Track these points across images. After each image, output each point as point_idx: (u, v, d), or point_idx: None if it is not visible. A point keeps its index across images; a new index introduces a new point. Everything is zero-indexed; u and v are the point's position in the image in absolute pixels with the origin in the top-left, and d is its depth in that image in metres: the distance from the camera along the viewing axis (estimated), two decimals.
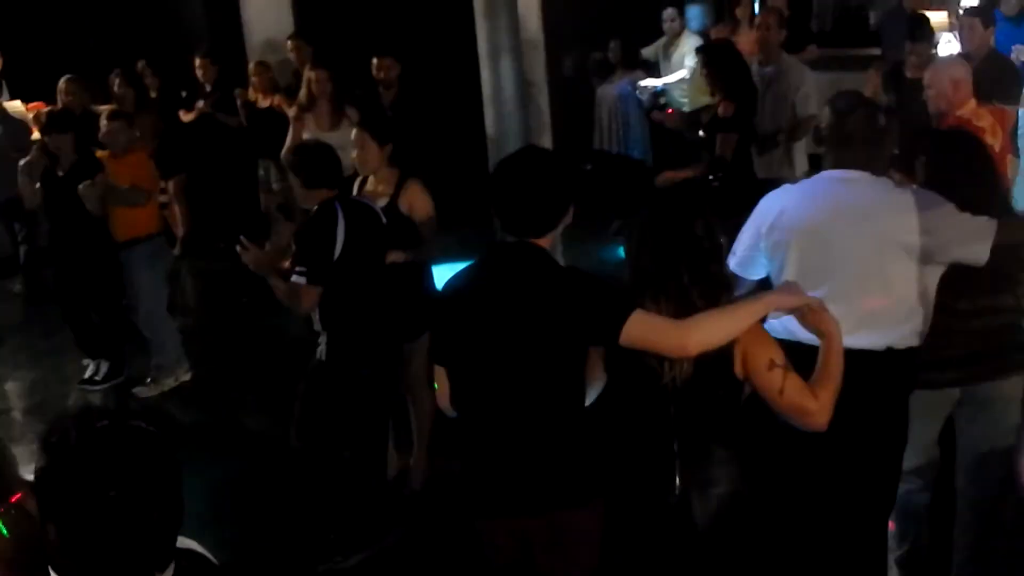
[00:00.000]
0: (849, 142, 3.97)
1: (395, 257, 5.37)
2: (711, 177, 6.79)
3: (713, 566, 3.31)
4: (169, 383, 7.52)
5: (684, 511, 3.30)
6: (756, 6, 11.20)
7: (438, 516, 5.49)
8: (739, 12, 10.86)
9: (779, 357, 3.17)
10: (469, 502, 3.51)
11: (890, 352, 3.89)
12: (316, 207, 5.03)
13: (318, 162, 5.08)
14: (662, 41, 10.46)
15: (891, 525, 4.35)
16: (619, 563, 3.44)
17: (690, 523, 3.30)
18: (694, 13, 10.95)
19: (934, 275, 3.94)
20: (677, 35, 10.33)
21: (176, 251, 8.42)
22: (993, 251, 3.84)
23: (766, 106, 7.30)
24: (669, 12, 10.44)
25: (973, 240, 3.84)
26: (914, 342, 3.95)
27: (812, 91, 7.30)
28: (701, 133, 7.14)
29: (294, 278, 4.88)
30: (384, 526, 5.32)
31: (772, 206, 4.08)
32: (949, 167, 4.10)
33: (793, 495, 3.77)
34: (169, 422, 7.07)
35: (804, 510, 3.88)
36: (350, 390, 5.07)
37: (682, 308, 3.18)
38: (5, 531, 2.32)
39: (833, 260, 3.89)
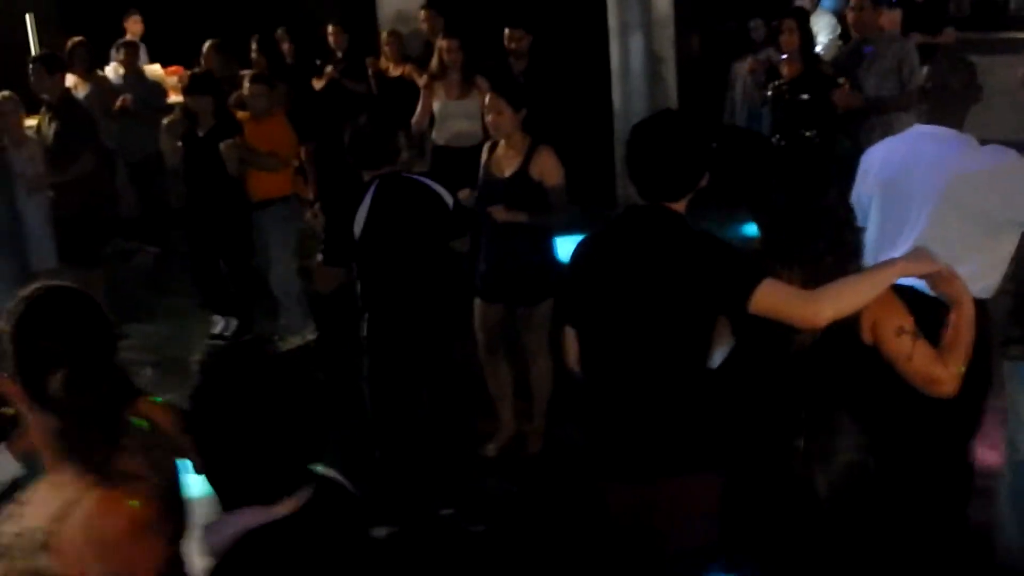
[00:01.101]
0: (943, 99, 4.17)
1: (517, 217, 5.40)
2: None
3: (834, 534, 3.29)
4: (295, 342, 7.68)
5: (807, 480, 3.28)
6: None
7: (554, 481, 5.53)
8: None
9: (908, 323, 3.14)
10: (590, 464, 3.53)
11: (977, 303, 3.89)
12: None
13: (368, 144, 5.04)
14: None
15: None
16: (740, 531, 3.43)
17: (812, 493, 3.28)
18: None
19: (1008, 236, 4.04)
20: (809, 12, 10.16)
21: (309, 214, 8.57)
22: None
23: (869, 81, 7.38)
24: None
25: None
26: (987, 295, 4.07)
27: (915, 65, 7.26)
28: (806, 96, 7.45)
29: (318, 256, 4.99)
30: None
31: (868, 157, 4.40)
32: None
33: (915, 464, 3.72)
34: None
35: (924, 478, 3.85)
36: (390, 371, 5.10)
37: (812, 275, 3.16)
38: (144, 423, 2.42)
39: (907, 213, 4.07)
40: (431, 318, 5.08)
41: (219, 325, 7.95)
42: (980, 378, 4.08)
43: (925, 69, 4.34)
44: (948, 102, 4.21)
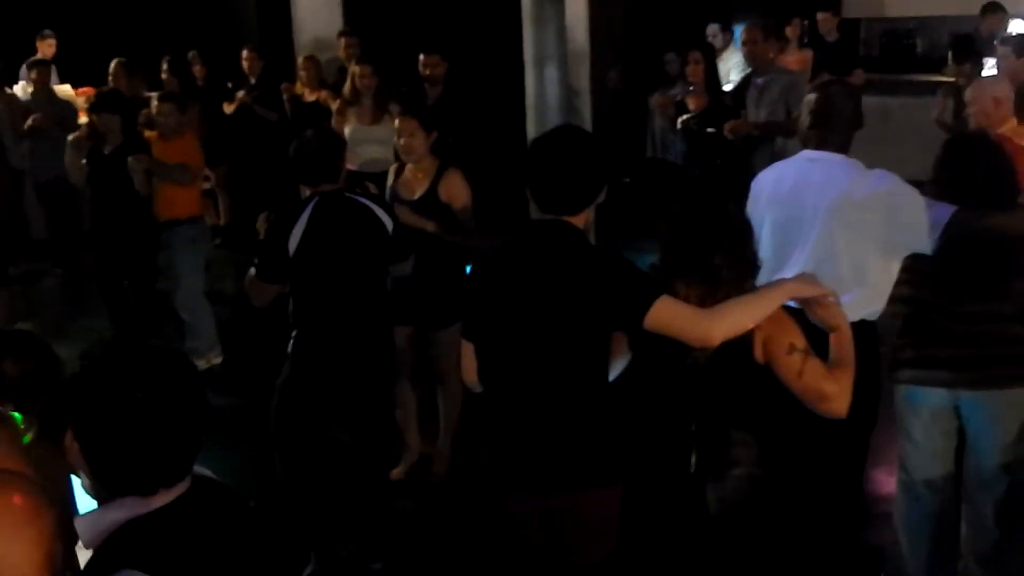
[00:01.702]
0: (829, 124, 4.31)
1: (427, 226, 5.40)
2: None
3: (724, 549, 3.32)
4: (200, 365, 7.57)
5: (698, 493, 3.31)
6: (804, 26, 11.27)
7: (461, 503, 5.51)
8: (789, 31, 10.93)
9: (799, 341, 3.19)
10: (494, 479, 3.53)
11: (863, 324, 4.06)
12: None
13: (310, 158, 4.90)
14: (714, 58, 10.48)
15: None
16: (634, 543, 3.44)
17: (703, 505, 3.31)
18: (741, 30, 10.99)
19: (893, 259, 4.15)
20: (720, 51, 10.36)
21: (217, 240, 8.50)
22: (992, 255, 3.98)
23: (761, 112, 7.71)
24: (712, 28, 10.52)
25: (920, 229, 4.06)
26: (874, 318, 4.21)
27: (801, 95, 7.49)
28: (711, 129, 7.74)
29: (251, 269, 4.86)
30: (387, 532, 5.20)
31: (757, 181, 4.53)
32: (957, 165, 4.19)
33: (807, 480, 3.78)
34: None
35: (815, 495, 3.90)
36: (313, 391, 4.94)
37: (709, 289, 3.20)
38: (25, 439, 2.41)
39: (797, 234, 4.21)
40: (361, 341, 4.97)
41: None
42: (869, 400, 4.16)
43: (813, 95, 4.45)
44: (834, 127, 4.32)
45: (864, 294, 4.14)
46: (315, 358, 4.91)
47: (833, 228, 4.18)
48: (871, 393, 4.23)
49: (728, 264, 3.23)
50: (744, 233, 3.31)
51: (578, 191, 3.36)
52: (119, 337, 7.58)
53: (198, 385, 2.14)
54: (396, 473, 5.87)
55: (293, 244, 4.75)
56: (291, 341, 4.96)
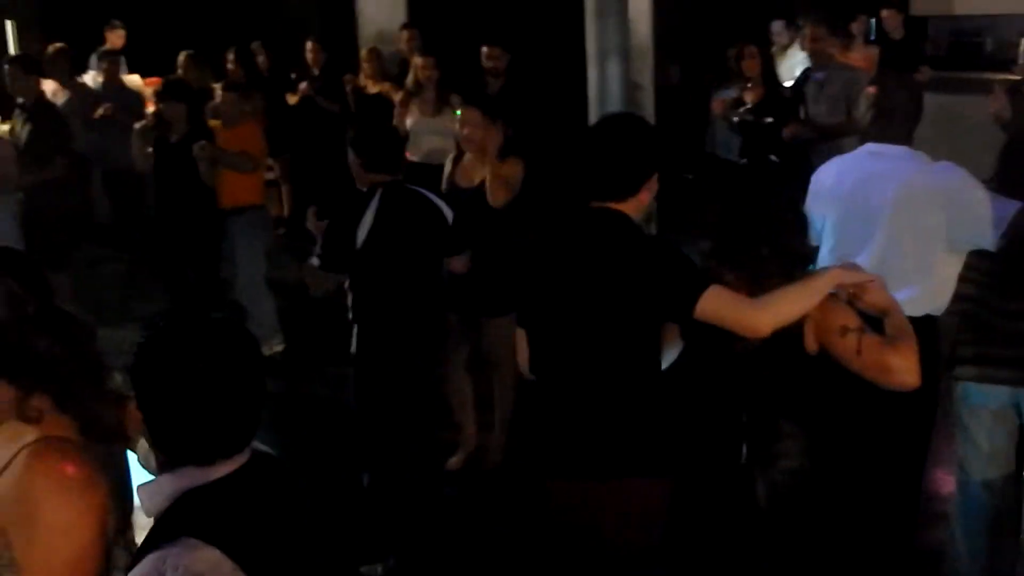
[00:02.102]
0: (891, 116, 4.27)
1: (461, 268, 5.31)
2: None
3: (772, 541, 3.30)
4: (263, 352, 7.63)
5: (747, 484, 3.30)
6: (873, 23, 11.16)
7: (515, 492, 5.51)
8: (854, 27, 10.82)
9: (852, 321, 3.16)
10: (539, 463, 3.53)
11: (928, 320, 4.05)
12: (362, 192, 4.89)
13: (383, 146, 4.94)
14: (774, 50, 10.41)
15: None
16: (681, 534, 3.43)
17: (752, 497, 3.29)
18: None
19: (955, 256, 4.11)
20: (785, 47, 10.30)
21: (280, 230, 8.58)
22: None
23: (820, 107, 7.77)
24: (777, 25, 10.44)
25: (984, 225, 3.99)
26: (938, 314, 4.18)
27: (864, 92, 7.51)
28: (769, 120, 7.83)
29: (311, 259, 4.83)
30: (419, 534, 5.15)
31: (817, 177, 4.48)
32: (1019, 160, 4.14)
33: (858, 475, 3.74)
34: None
35: (869, 491, 3.86)
36: (380, 385, 4.94)
37: (757, 280, 3.19)
38: None
39: (862, 228, 4.16)
40: (421, 334, 4.99)
41: None
42: (928, 396, 4.11)
43: (873, 89, 4.40)
44: (896, 120, 4.28)
45: (929, 289, 4.10)
46: (380, 354, 4.91)
47: (899, 221, 4.14)
48: (931, 390, 4.18)
49: (776, 255, 3.22)
50: (793, 224, 3.30)
51: (623, 174, 3.34)
52: (182, 311, 7.66)
53: (258, 358, 2.17)
54: (453, 462, 5.91)
55: (361, 235, 4.75)
56: (354, 339, 4.93)
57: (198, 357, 2.05)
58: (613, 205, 3.34)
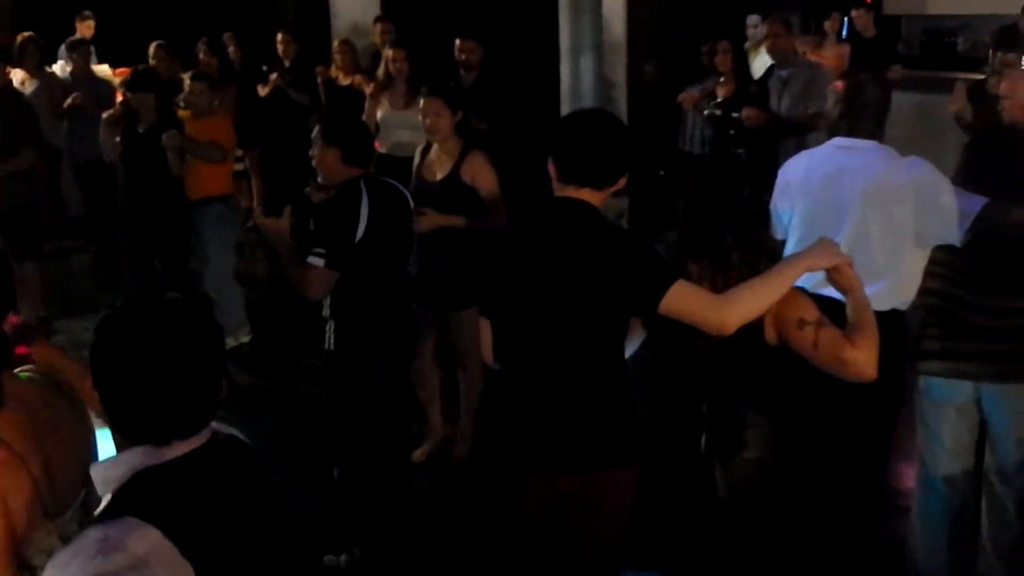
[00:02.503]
0: (860, 111, 4.27)
1: (454, 222, 5.39)
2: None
3: (731, 532, 3.30)
4: (230, 343, 7.61)
5: (707, 474, 3.30)
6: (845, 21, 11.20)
7: (482, 485, 5.51)
8: (828, 26, 10.89)
9: (810, 314, 3.17)
10: (506, 457, 3.51)
11: (893, 314, 4.05)
12: (340, 185, 4.78)
13: (361, 138, 4.90)
14: (747, 46, 10.44)
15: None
16: (644, 524, 3.43)
17: (712, 487, 3.30)
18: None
19: (921, 250, 4.13)
20: (759, 43, 10.29)
21: (250, 223, 8.55)
22: (1021, 250, 3.93)
23: (783, 104, 7.83)
24: (753, 19, 10.45)
25: (951, 219, 3.99)
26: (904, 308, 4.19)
27: (824, 90, 7.60)
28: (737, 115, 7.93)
29: (311, 259, 4.59)
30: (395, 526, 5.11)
31: (785, 171, 4.48)
32: (987, 157, 4.17)
33: (820, 467, 3.75)
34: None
35: (831, 483, 3.87)
36: (358, 381, 4.87)
37: (721, 271, 3.19)
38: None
39: (830, 221, 4.12)
40: (401, 328, 4.97)
41: None
42: (893, 388, 4.13)
43: (842, 83, 4.41)
44: (865, 115, 4.29)
45: (896, 283, 4.11)
46: (359, 350, 4.86)
47: (868, 215, 4.14)
48: (896, 384, 4.20)
49: (739, 246, 3.22)
50: (757, 216, 3.30)
51: (602, 161, 3.33)
52: (142, 293, 7.63)
53: (217, 339, 2.17)
54: (418, 455, 5.90)
55: (360, 230, 4.67)
56: (330, 335, 4.83)
57: (153, 335, 2.04)
58: (581, 196, 3.33)
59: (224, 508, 2.14)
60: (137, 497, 2.02)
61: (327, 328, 4.84)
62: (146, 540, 1.94)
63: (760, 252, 3.27)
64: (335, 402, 4.93)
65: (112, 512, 2.01)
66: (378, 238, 4.73)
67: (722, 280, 3.18)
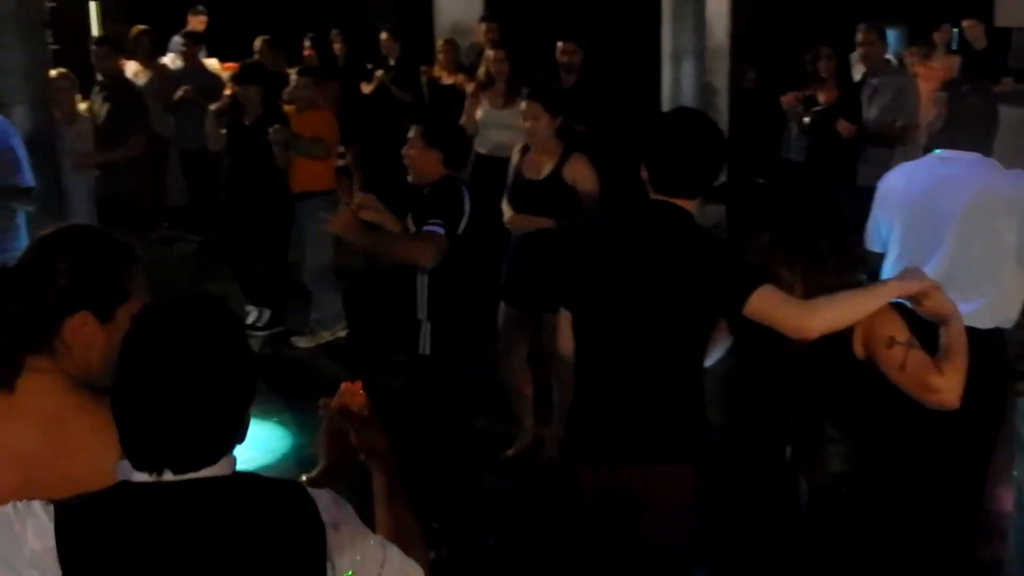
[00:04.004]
0: (961, 123, 4.20)
1: (547, 224, 5.41)
2: None
3: (812, 545, 3.27)
4: (325, 336, 7.75)
5: (790, 485, 3.27)
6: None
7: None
8: (937, 37, 10.68)
9: (900, 334, 3.14)
10: (574, 449, 3.53)
11: (994, 332, 3.99)
12: (437, 182, 4.80)
13: (460, 142, 4.97)
14: (853, 56, 10.29)
15: None
16: (719, 530, 3.41)
17: (794, 498, 3.27)
18: (888, 33, 10.75)
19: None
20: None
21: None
22: None
23: (872, 113, 7.82)
24: (863, 27, 10.27)
25: None
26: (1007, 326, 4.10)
27: (913, 101, 7.85)
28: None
29: (429, 227, 4.61)
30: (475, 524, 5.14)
31: (886, 182, 4.39)
32: None
33: (907, 486, 3.69)
34: (319, 373, 7.37)
35: (920, 503, 3.81)
36: (450, 384, 4.90)
37: (813, 275, 3.17)
38: None
39: (931, 235, 4.08)
40: (487, 329, 5.06)
41: (252, 315, 8.02)
42: (991, 408, 4.05)
43: (943, 95, 4.34)
44: (965, 127, 4.21)
45: (997, 300, 4.03)
46: (455, 351, 4.89)
47: (969, 228, 4.06)
48: (995, 404, 4.11)
49: (834, 252, 3.19)
50: (852, 226, 3.28)
51: (697, 173, 3.36)
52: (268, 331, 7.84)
53: (234, 363, 1.95)
54: (508, 454, 5.92)
55: (462, 224, 4.71)
56: (426, 338, 4.83)
57: (158, 358, 1.89)
58: (676, 200, 3.33)
59: (137, 551, 1.87)
60: (75, 500, 1.90)
61: (422, 331, 4.86)
62: (39, 534, 1.85)
63: (853, 261, 3.24)
64: (426, 405, 4.97)
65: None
66: (476, 238, 4.78)
67: (812, 287, 3.16)
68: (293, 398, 6.71)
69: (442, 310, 4.82)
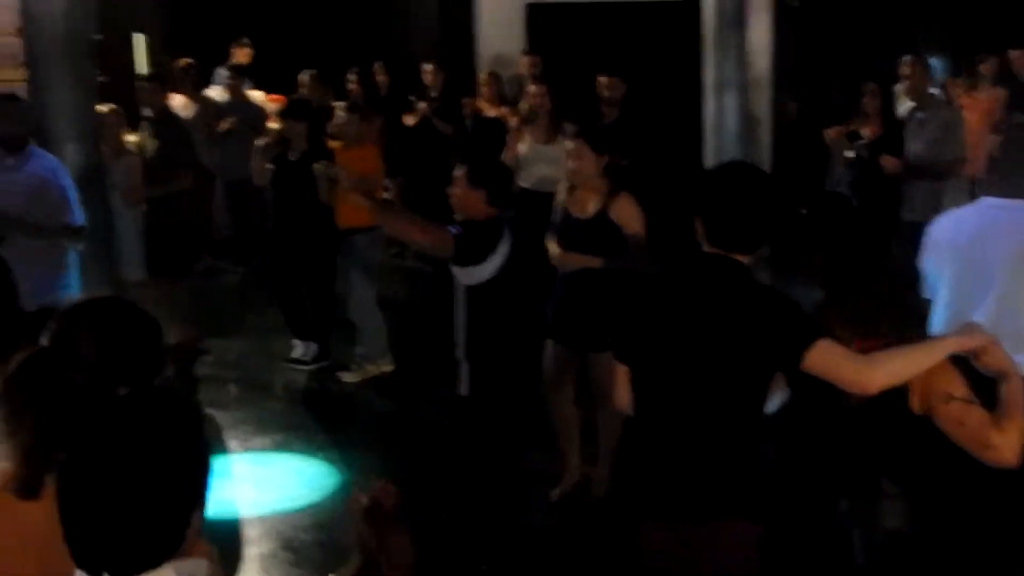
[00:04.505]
0: (1009, 167, 4.15)
1: (594, 263, 5.43)
2: None
3: None
4: (371, 371, 7.76)
5: (844, 540, 3.24)
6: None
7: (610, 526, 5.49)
8: (984, 68, 10.57)
9: (959, 390, 3.12)
10: (632, 503, 3.51)
11: None
12: (484, 220, 4.85)
13: (504, 180, 5.00)
14: (898, 88, 10.24)
15: None
16: None
17: (848, 554, 3.24)
18: (933, 64, 10.69)
19: None
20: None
21: (393, 250, 8.68)
22: None
23: (918, 146, 7.73)
24: (908, 59, 10.22)
25: None
26: None
27: (960, 135, 7.76)
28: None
29: (452, 228, 4.77)
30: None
31: (934, 229, 4.28)
32: None
33: (968, 545, 3.64)
34: (366, 408, 7.39)
35: (973, 562, 3.75)
36: (490, 424, 4.93)
37: (868, 336, 3.14)
38: None
39: (979, 284, 4.00)
40: (530, 369, 5.06)
41: (298, 349, 8.05)
42: None
43: (995, 138, 4.30)
44: (1016, 173, 4.15)
45: None
46: (494, 392, 4.91)
47: (1018, 277, 4.01)
48: None
49: (889, 312, 3.18)
50: (910, 284, 3.25)
51: (756, 232, 3.35)
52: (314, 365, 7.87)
53: (183, 471, 1.85)
54: (555, 493, 5.90)
55: (491, 266, 4.75)
56: (463, 378, 4.87)
57: (102, 453, 1.82)
58: (732, 254, 3.33)
59: None
60: None
61: (460, 371, 4.87)
62: None
63: (909, 317, 3.22)
64: (468, 444, 4.97)
65: None
66: (513, 280, 4.80)
67: (870, 346, 3.14)
68: (339, 434, 6.76)
69: (481, 350, 4.83)
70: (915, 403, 3.16)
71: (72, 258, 5.98)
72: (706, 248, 3.36)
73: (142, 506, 1.78)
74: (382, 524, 2.22)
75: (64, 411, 2.12)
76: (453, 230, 4.74)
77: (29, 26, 6.31)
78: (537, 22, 11.87)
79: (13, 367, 2.19)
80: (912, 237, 4.45)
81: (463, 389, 4.88)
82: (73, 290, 6.04)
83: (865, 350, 3.13)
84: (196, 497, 1.88)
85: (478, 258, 4.74)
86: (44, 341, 2.26)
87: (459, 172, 4.92)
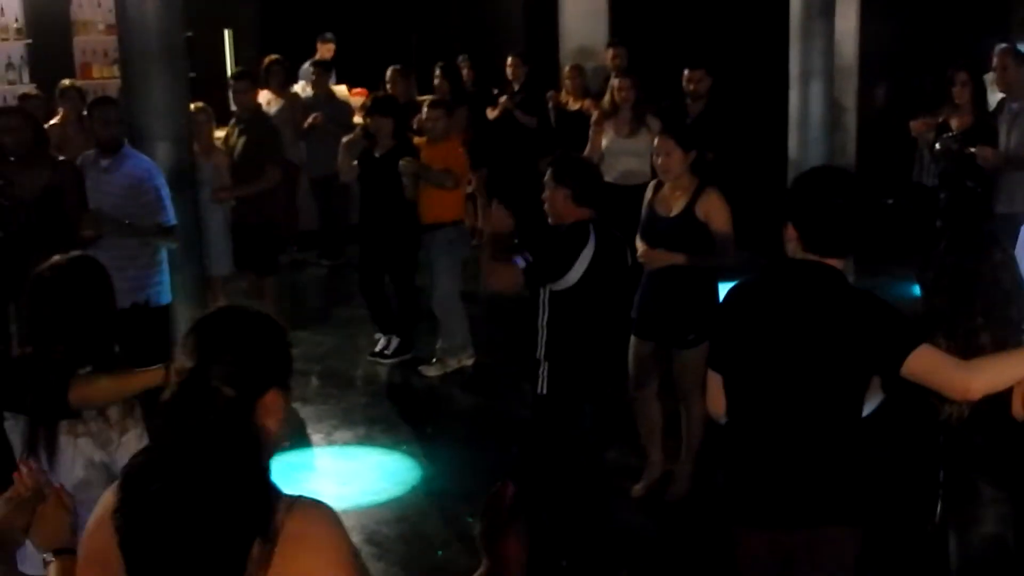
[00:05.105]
0: None
1: (681, 260, 5.42)
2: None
3: None
4: (453, 365, 7.81)
5: (941, 545, 3.21)
6: None
7: (699, 524, 5.48)
8: None
9: None
10: (731, 509, 3.52)
11: None
12: (570, 226, 4.81)
13: (590, 178, 4.97)
14: (990, 76, 10.02)
15: None
16: None
17: (944, 558, 3.20)
18: None
19: None
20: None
21: (475, 242, 8.72)
22: None
23: (1012, 140, 7.53)
24: (1000, 48, 10.00)
25: None
26: None
27: None
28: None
29: (516, 259, 4.68)
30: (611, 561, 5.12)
31: None
32: None
33: None
34: (448, 402, 7.46)
35: None
36: (569, 425, 4.91)
37: (970, 349, 3.11)
38: None
39: None
40: (611, 371, 5.06)
41: (380, 343, 8.13)
42: None
43: None
44: None
45: None
46: (573, 392, 4.90)
47: None
48: None
49: (990, 324, 3.14)
50: (1008, 293, 3.19)
51: (851, 236, 3.35)
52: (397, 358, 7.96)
53: (237, 515, 1.81)
54: (637, 490, 5.90)
55: (577, 271, 4.72)
56: (543, 378, 4.86)
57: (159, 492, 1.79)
58: (825, 261, 3.32)
59: None
60: None
61: (540, 370, 4.87)
62: None
63: (1009, 328, 3.17)
64: (544, 446, 4.99)
65: None
66: (597, 283, 4.77)
67: (972, 354, 3.10)
68: (421, 427, 6.82)
69: (560, 351, 4.83)
70: (1017, 408, 3.12)
71: (163, 256, 6.11)
72: (799, 255, 3.34)
73: (202, 536, 1.76)
74: (504, 524, 2.26)
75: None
76: (520, 262, 4.69)
77: (123, 24, 6.35)
78: (621, 14, 11.82)
79: (166, 395, 2.18)
80: (1004, 228, 4.37)
81: (542, 388, 4.89)
82: (165, 288, 6.19)
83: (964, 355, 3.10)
84: (257, 526, 1.85)
85: (557, 274, 4.72)
86: (183, 359, 2.19)
87: (548, 174, 4.94)
